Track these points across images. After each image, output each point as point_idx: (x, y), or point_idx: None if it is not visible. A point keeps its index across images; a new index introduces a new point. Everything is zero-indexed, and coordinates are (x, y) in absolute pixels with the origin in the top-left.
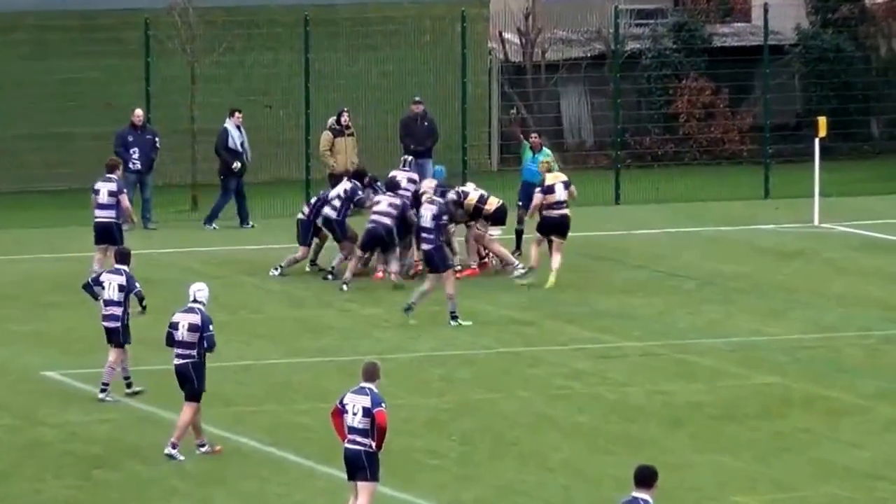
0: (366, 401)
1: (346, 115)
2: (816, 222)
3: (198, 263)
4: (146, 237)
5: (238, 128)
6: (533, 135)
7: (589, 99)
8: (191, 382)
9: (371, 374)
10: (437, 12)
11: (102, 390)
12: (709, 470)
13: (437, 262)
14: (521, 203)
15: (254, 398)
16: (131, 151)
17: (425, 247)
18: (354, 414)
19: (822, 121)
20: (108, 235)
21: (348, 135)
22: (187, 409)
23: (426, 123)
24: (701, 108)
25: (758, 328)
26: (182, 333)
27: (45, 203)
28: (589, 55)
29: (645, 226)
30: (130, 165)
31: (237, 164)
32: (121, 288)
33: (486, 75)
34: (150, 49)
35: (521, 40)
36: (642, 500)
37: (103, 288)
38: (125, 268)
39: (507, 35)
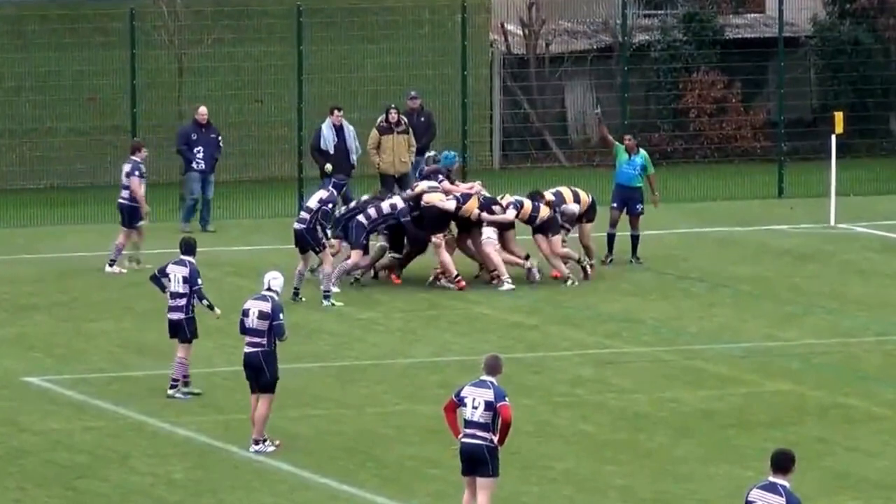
0: (488, 394)
1: (394, 112)
2: (833, 223)
3: None
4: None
5: (338, 127)
6: (627, 136)
7: (595, 93)
8: (263, 372)
9: (493, 367)
10: (437, 2)
11: (172, 386)
12: (719, 481)
13: (308, 242)
14: (615, 205)
15: (244, 405)
16: (196, 150)
17: (297, 226)
18: (475, 408)
19: (839, 116)
20: (123, 216)
21: (399, 132)
22: (264, 402)
23: (422, 119)
24: (712, 103)
25: (771, 333)
26: (252, 321)
27: (26, 202)
28: (595, 47)
29: (653, 226)
30: (195, 165)
31: (329, 167)
32: (185, 280)
33: (488, 68)
34: (136, 40)
35: (524, 32)
36: (781, 486)
37: (170, 280)
38: (190, 259)
39: (509, 26)
